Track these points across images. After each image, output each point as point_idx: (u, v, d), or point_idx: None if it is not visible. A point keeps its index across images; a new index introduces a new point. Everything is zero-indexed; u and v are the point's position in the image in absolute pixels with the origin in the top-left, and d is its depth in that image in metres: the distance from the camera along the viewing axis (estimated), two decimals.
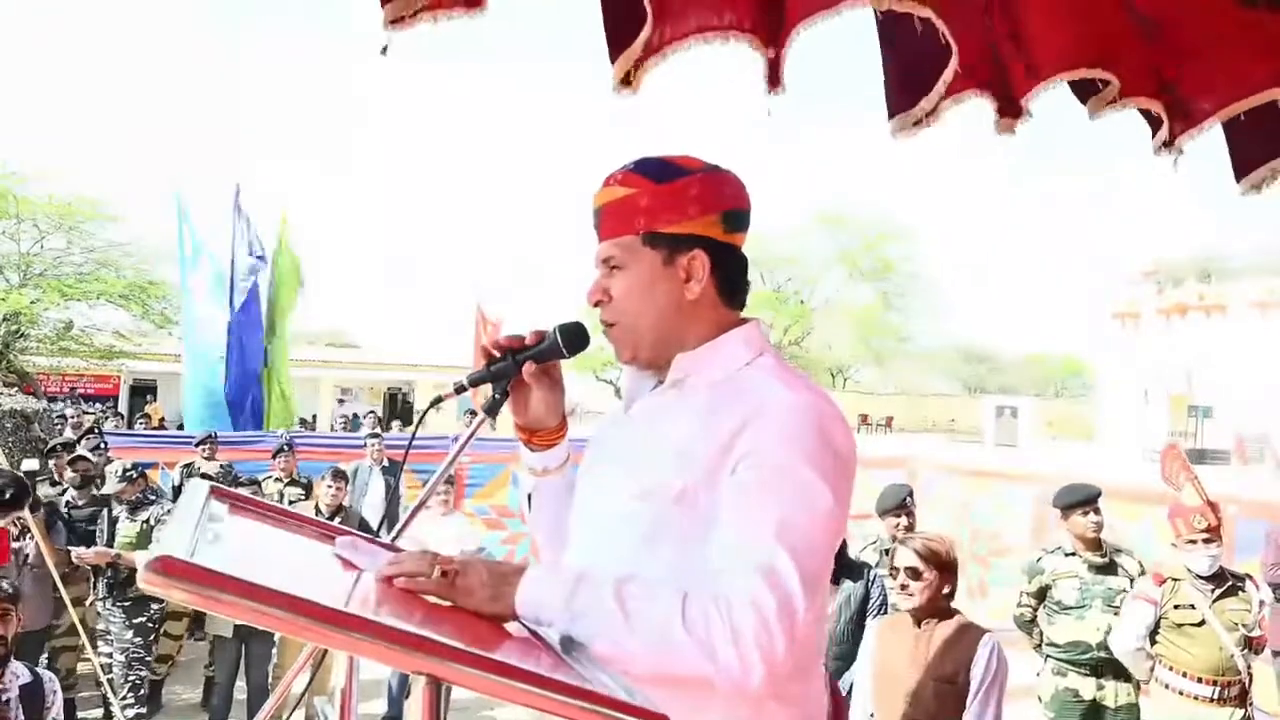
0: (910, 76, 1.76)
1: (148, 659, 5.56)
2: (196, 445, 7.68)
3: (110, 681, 5.37)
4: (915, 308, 35.15)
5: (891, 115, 1.82)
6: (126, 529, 5.55)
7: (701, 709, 1.14)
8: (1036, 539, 7.32)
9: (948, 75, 1.69)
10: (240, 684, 5.63)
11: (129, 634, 5.43)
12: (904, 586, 3.01)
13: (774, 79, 1.70)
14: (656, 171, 1.32)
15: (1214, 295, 27.81)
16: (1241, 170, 1.96)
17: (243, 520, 1.17)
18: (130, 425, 13.30)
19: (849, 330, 34.21)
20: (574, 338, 1.38)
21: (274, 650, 5.71)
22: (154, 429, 13.40)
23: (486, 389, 1.40)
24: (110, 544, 5.48)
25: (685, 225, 1.31)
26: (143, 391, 26.12)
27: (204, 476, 6.27)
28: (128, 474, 5.70)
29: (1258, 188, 1.97)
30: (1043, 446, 25.41)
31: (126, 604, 5.45)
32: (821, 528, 1.17)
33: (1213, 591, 3.98)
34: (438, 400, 1.41)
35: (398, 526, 1.37)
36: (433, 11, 1.37)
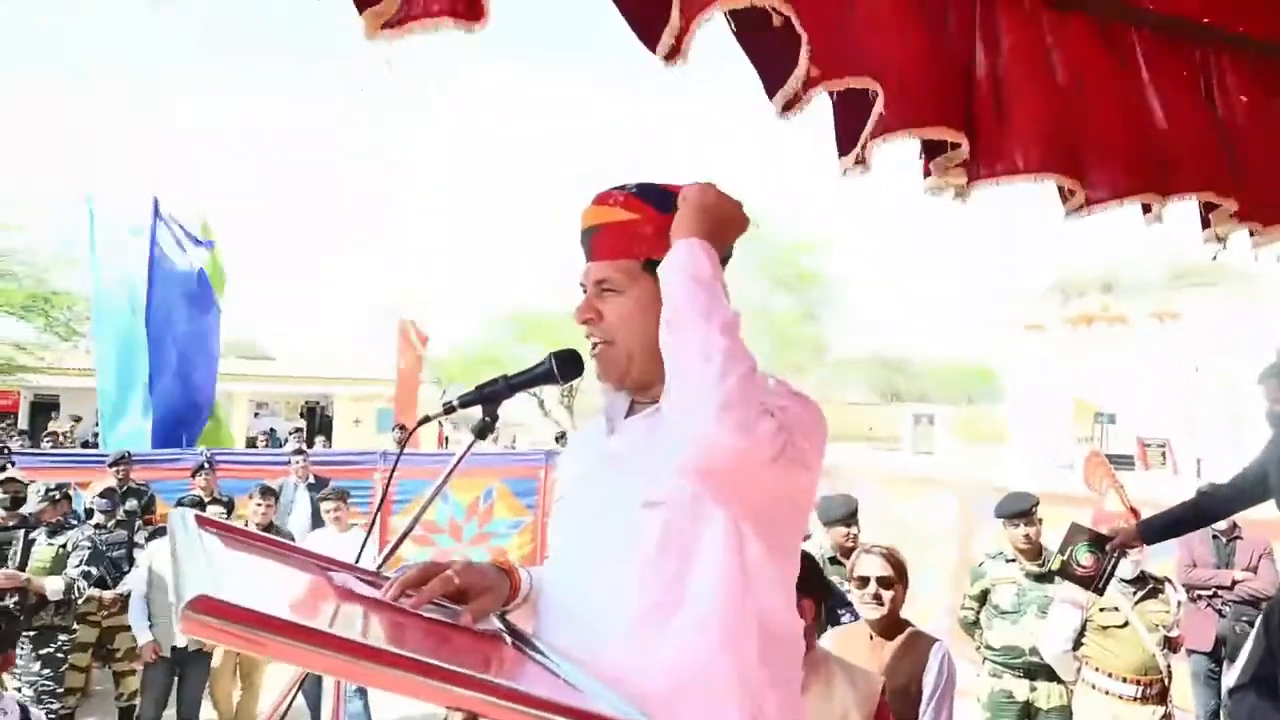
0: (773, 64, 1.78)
1: (59, 690, 5.23)
2: (110, 465, 7.31)
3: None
4: (833, 318, 35.84)
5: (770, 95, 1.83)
6: (42, 553, 5.25)
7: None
8: (963, 543, 7.52)
9: (799, 71, 1.69)
10: (169, 712, 5.42)
11: (36, 666, 5.11)
12: (876, 596, 2.99)
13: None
14: (660, 200, 1.33)
15: (1115, 307, 29.09)
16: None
17: (239, 553, 1.13)
18: (37, 443, 12.62)
19: (768, 340, 34.72)
20: (569, 364, 1.37)
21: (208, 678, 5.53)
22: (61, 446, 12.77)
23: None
24: (23, 568, 5.15)
25: None
26: (45, 408, 24.89)
27: (104, 495, 5.99)
28: (50, 494, 5.42)
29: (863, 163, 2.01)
30: (959, 453, 26.14)
31: (33, 634, 5.12)
32: (808, 493, 1.30)
33: (1135, 594, 4.15)
34: (426, 419, 1.39)
35: (383, 554, 1.35)
36: (420, 21, 1.35)
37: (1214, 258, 2.05)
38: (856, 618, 4.29)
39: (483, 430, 1.37)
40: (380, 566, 1.34)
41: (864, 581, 3.03)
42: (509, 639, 1.16)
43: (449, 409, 1.37)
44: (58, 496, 5.49)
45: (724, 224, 1.29)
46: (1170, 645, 4.17)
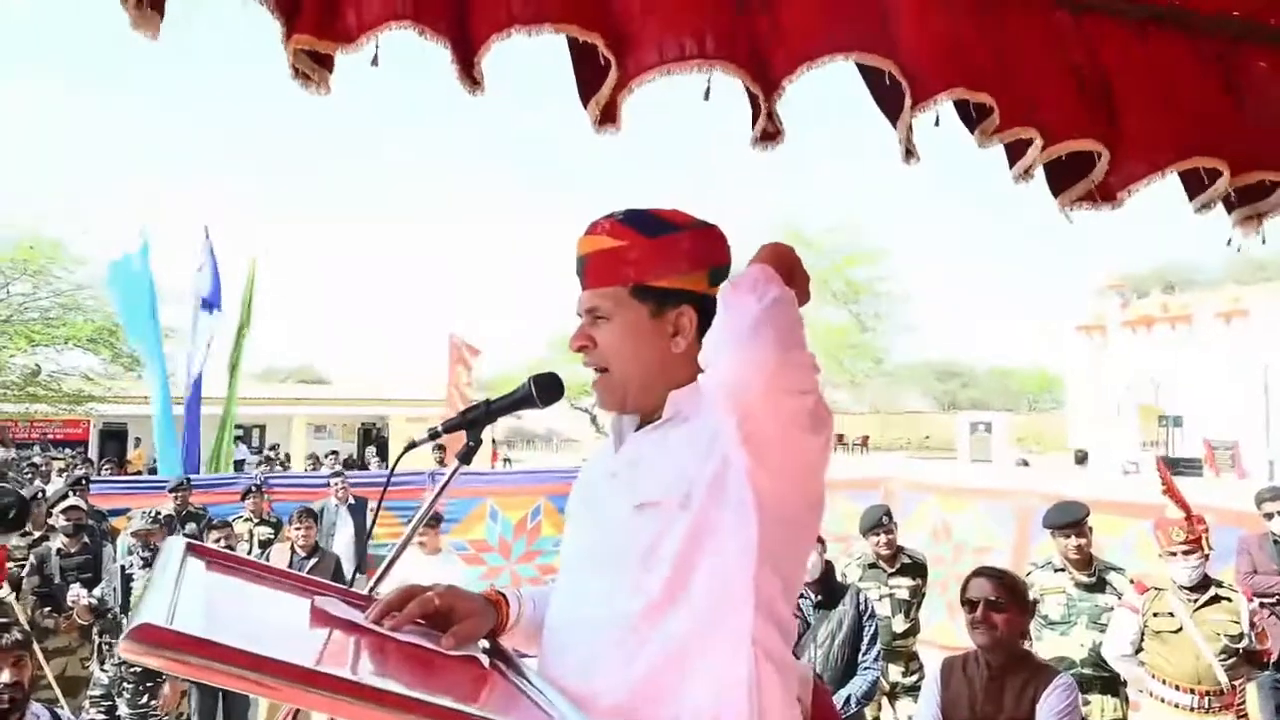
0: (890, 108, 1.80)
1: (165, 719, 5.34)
2: (170, 491, 7.56)
3: None
4: (887, 327, 35.51)
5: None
6: (141, 588, 5.26)
7: None
8: (1018, 555, 7.35)
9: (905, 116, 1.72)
10: None
11: (143, 698, 5.18)
12: (985, 619, 2.85)
13: (765, 127, 1.67)
14: (646, 225, 1.34)
15: (1178, 306, 28.24)
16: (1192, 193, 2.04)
17: (221, 577, 1.16)
18: (99, 471, 13.07)
19: (822, 351, 34.49)
20: (548, 388, 1.39)
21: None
22: (133, 473, 13.21)
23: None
24: (125, 601, 5.22)
25: (674, 280, 1.32)
26: (113, 436, 25.74)
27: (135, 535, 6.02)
28: (157, 517, 5.50)
29: (1209, 206, 2.05)
30: (1018, 461, 25.59)
31: (138, 670, 5.13)
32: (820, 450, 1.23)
33: (1194, 601, 4.02)
34: (412, 445, 1.42)
35: (375, 576, 1.37)
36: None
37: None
38: (876, 629, 4.26)
39: (467, 454, 1.39)
40: (372, 589, 1.36)
41: (973, 605, 2.88)
42: (487, 661, 1.16)
43: (434, 434, 1.40)
44: (162, 522, 5.54)
45: (792, 274, 1.27)
46: (1249, 658, 4.00)
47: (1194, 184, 1.99)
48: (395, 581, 1.59)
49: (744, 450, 1.17)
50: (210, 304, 10.69)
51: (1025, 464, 15.65)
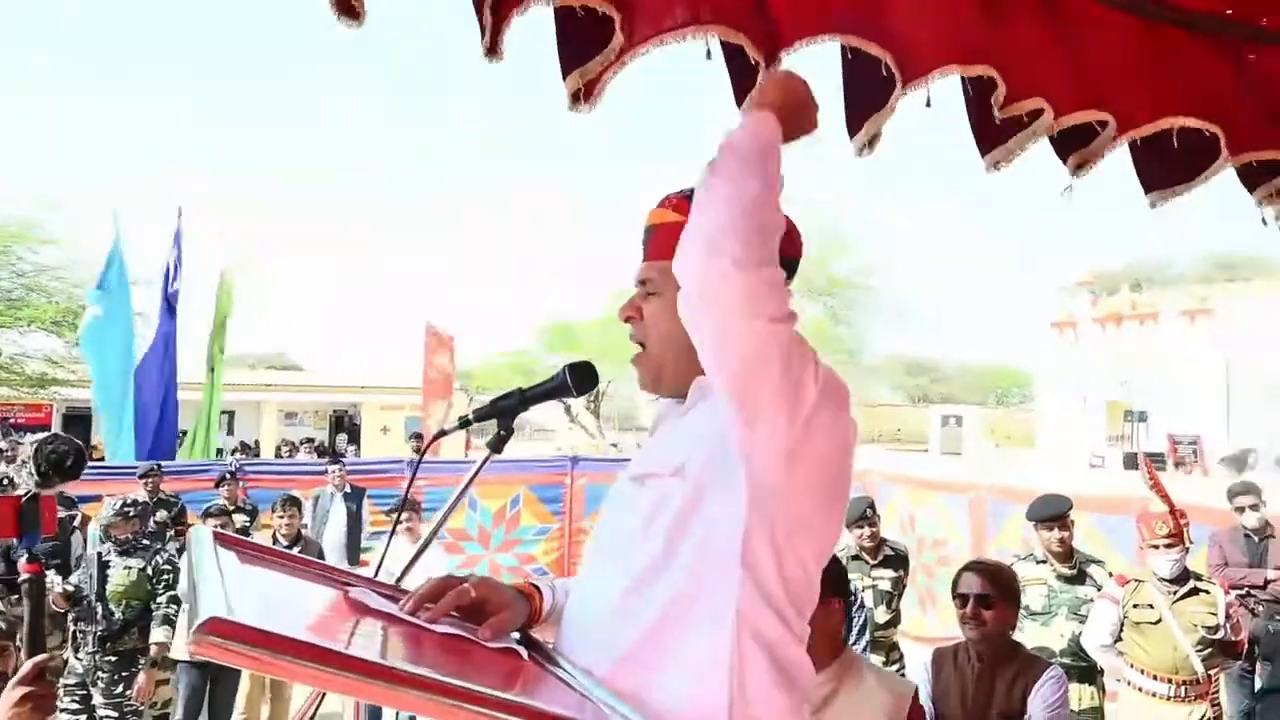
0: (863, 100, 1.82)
1: (141, 710, 5.24)
2: (140, 477, 7.37)
3: None
4: (861, 320, 35.65)
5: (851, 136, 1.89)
6: (119, 576, 5.12)
7: None
8: (974, 548, 7.44)
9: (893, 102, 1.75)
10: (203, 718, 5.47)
11: (119, 688, 5.06)
12: (975, 615, 2.89)
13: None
14: None
15: (1146, 304, 28.69)
16: (1149, 187, 2.07)
17: (255, 569, 1.14)
18: None
19: None
20: (583, 377, 1.38)
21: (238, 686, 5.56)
22: (98, 459, 12.97)
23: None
24: (102, 589, 5.09)
25: None
26: (77, 420, 25.28)
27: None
28: (124, 509, 5.24)
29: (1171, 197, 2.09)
30: (987, 455, 25.87)
31: (114, 659, 5.09)
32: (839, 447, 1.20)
33: (1174, 593, 4.11)
34: (442, 433, 1.41)
35: (402, 568, 1.36)
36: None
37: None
38: (865, 619, 4.29)
39: (498, 443, 1.38)
40: (400, 580, 1.35)
41: (963, 600, 2.92)
42: (525, 653, 1.16)
43: (464, 423, 1.39)
44: (130, 512, 5.29)
45: (796, 111, 1.27)
46: (1225, 649, 4.08)
47: (1252, 180, 2.02)
48: (389, 571, 1.57)
49: (721, 379, 1.12)
50: (171, 298, 10.58)
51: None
